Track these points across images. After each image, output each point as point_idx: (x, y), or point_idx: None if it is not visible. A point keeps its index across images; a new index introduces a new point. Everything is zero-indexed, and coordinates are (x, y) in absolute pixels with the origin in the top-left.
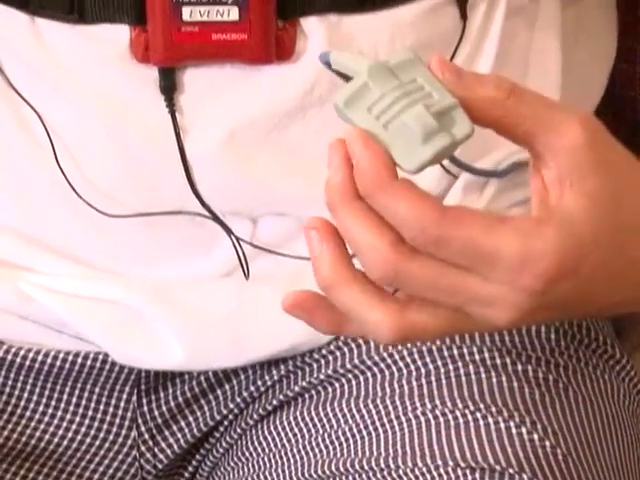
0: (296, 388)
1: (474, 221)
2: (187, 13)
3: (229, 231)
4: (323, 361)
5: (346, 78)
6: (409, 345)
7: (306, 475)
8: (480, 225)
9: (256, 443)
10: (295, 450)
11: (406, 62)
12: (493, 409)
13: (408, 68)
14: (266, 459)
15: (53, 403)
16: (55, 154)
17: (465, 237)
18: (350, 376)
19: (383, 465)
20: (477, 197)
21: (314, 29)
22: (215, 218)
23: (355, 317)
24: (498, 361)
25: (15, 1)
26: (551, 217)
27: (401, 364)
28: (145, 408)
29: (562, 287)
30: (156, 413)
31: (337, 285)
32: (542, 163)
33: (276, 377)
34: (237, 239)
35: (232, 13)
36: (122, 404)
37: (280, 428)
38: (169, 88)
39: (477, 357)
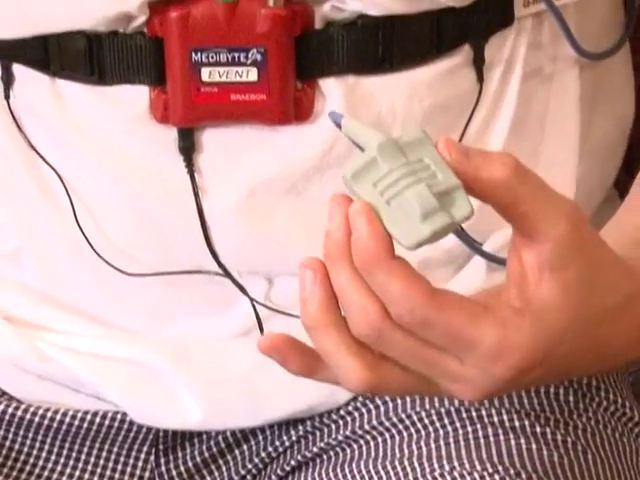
0: (314, 449)
1: (460, 309)
2: (206, 74)
3: (245, 292)
4: (342, 422)
5: (354, 142)
6: (427, 406)
7: None
8: (465, 314)
9: None
10: None
11: (416, 141)
12: (512, 471)
13: (417, 147)
14: None
15: (71, 462)
16: (75, 214)
17: (449, 324)
18: (369, 437)
19: None
20: None
21: (332, 90)
22: (231, 278)
23: (331, 361)
24: (517, 423)
25: (36, 62)
26: (528, 307)
27: (419, 425)
28: (163, 468)
29: (529, 375)
30: (174, 473)
31: (321, 327)
32: (525, 245)
33: (294, 438)
34: (252, 300)
35: (251, 74)
36: (140, 464)
37: None
38: (188, 148)
39: (496, 419)
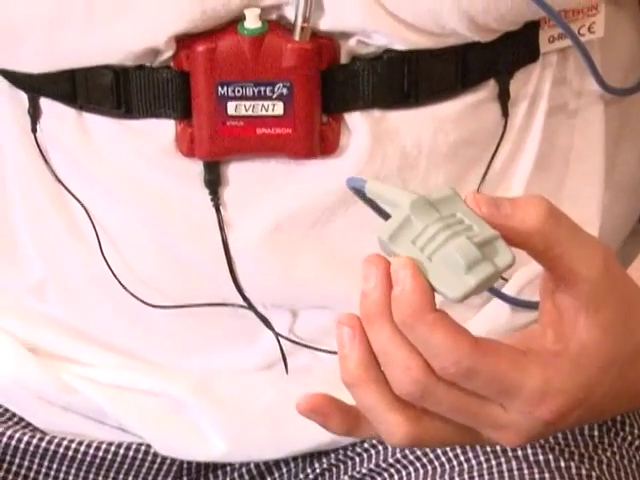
0: None
1: (502, 355)
2: (232, 108)
3: (268, 325)
4: (365, 455)
5: (372, 205)
6: None
7: None
8: (507, 360)
9: None
10: None
11: (445, 197)
12: None
13: (447, 203)
14: None
15: None
16: (100, 246)
17: (494, 371)
18: (392, 470)
19: None
20: None
21: (358, 124)
22: (255, 312)
23: (372, 417)
24: (541, 457)
25: (63, 96)
26: (567, 349)
27: (444, 459)
28: None
29: (570, 417)
30: None
31: (362, 384)
32: (559, 288)
33: (318, 470)
34: (277, 334)
35: (277, 108)
36: None
37: None
38: (214, 182)
39: (520, 453)
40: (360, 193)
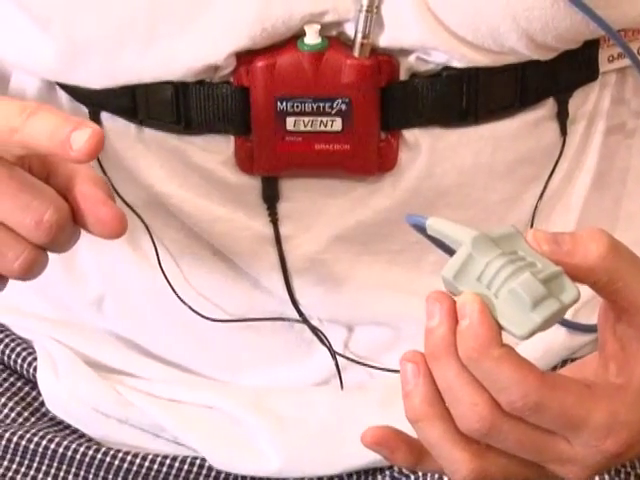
0: None
1: (568, 389)
2: (291, 123)
3: (323, 342)
4: (421, 472)
5: (434, 241)
6: None
7: None
8: (574, 394)
9: None
10: None
11: (506, 235)
12: None
13: (508, 240)
14: None
15: None
16: (158, 260)
17: (561, 405)
18: None
19: None
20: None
21: (416, 141)
22: (310, 327)
23: (437, 453)
24: None
25: (124, 110)
26: (630, 382)
27: None
28: None
29: (635, 449)
30: None
31: (427, 420)
32: (621, 319)
33: None
34: (332, 350)
35: (335, 124)
36: None
37: None
38: (272, 197)
39: None
40: (421, 229)
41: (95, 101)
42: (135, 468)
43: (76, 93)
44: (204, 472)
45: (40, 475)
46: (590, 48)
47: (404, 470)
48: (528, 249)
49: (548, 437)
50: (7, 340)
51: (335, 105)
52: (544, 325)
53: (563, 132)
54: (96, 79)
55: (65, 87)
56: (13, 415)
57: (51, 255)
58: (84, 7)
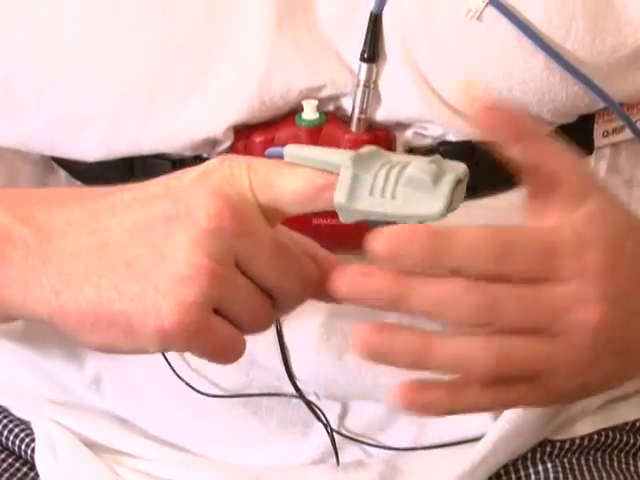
0: None
1: (520, 228)
2: None
3: (320, 419)
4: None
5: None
6: None
7: None
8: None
9: None
10: None
11: (374, 152)
12: None
13: (378, 156)
14: None
15: None
16: None
17: (530, 236)
18: None
19: None
20: None
21: None
22: (306, 403)
23: (458, 362)
24: None
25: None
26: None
27: None
28: None
29: (625, 254)
30: None
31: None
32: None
33: None
34: (328, 428)
35: None
36: None
37: None
38: None
39: None
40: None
41: (90, 176)
42: None
43: (71, 169)
44: None
45: None
46: (585, 123)
47: None
48: (399, 156)
49: (533, 287)
50: (5, 421)
51: None
52: (453, 198)
53: None
54: (94, 151)
55: (60, 163)
56: None
57: (50, 337)
58: (85, 79)
